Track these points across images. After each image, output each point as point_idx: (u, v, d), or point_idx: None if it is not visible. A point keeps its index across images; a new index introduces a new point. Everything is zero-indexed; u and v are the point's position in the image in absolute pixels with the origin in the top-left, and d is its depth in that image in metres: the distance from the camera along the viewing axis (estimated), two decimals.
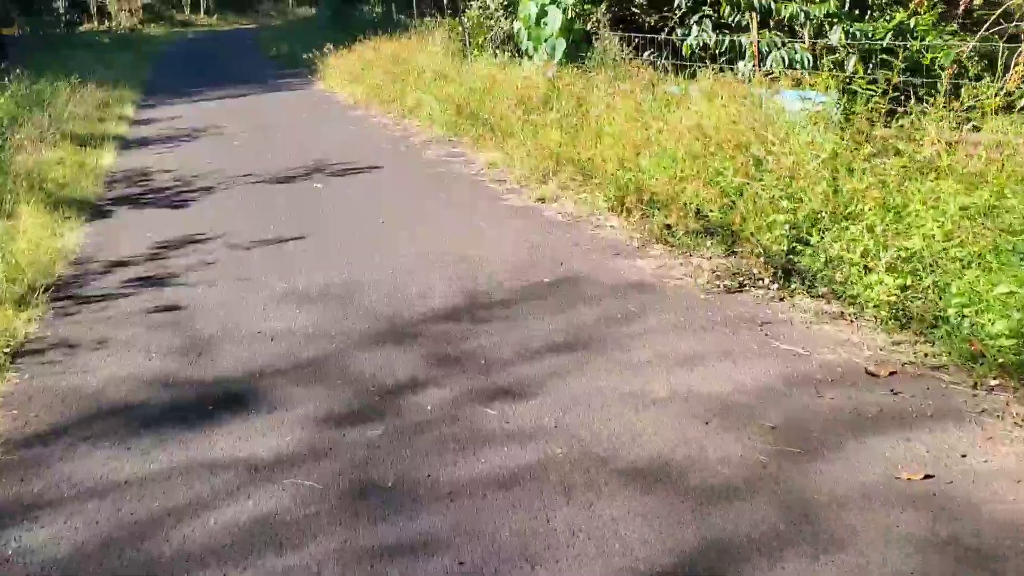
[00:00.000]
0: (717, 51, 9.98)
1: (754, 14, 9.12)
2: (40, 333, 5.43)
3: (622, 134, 8.02)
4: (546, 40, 11.57)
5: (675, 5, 11.05)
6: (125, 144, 12.60)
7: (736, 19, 10.17)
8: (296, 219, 7.81)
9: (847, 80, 7.26)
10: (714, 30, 10.69)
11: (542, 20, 11.62)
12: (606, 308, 5.17)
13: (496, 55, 14.09)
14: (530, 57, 12.13)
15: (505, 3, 13.42)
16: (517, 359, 4.54)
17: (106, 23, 40.31)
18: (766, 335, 4.68)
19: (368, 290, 5.77)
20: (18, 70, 15.96)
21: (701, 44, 10.63)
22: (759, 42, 9.47)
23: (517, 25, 12.28)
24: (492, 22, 13.58)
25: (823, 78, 7.00)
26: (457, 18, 16.98)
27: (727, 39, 10.01)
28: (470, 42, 15.04)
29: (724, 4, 10.28)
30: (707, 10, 10.82)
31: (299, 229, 7.42)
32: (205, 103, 17.08)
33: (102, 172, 10.49)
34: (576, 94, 9.80)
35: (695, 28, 10.83)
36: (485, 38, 13.89)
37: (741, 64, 10.04)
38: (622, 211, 7.04)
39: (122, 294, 6.10)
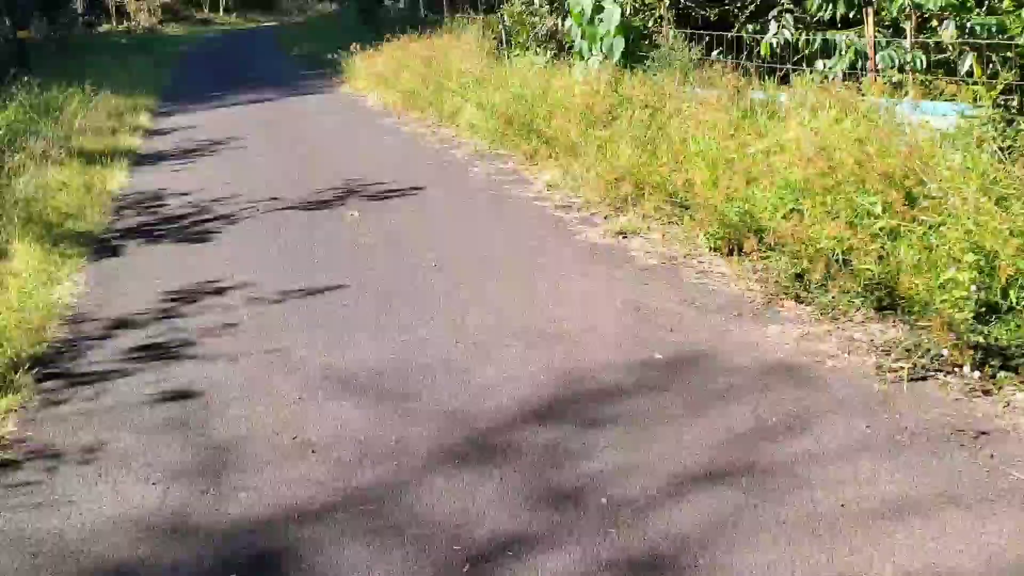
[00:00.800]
0: (808, 51, 8.63)
1: (869, 8, 7.73)
2: (18, 434, 4.20)
3: (714, 154, 6.71)
4: (601, 39, 10.23)
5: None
6: (138, 160, 11.38)
7: (826, 13, 8.82)
8: (331, 259, 6.55)
9: (1009, 89, 5.88)
10: (796, 26, 9.36)
11: (597, 17, 10.28)
12: (753, 408, 3.86)
13: (540, 55, 12.78)
14: (583, 58, 10.79)
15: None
16: (653, 501, 3.25)
17: (125, 23, 39.23)
18: (991, 456, 3.37)
19: (431, 374, 4.48)
20: (25, 78, 14.83)
21: (782, 43, 9.29)
22: (861, 40, 8.12)
23: (567, 22, 10.94)
24: (536, 19, 12.24)
25: (980, 88, 5.62)
26: (493, 14, 15.67)
27: (818, 37, 8.64)
28: (510, 41, 13.73)
29: None
30: (787, 3, 9.47)
31: (336, 274, 6.16)
32: (225, 109, 15.85)
33: (111, 196, 9.27)
34: (646, 102, 8.47)
35: (773, 24, 9.49)
36: (527, 36, 12.56)
37: (822, 65, 8.71)
38: (730, 252, 5.73)
39: (123, 371, 4.85)
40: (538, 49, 12.83)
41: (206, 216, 8.19)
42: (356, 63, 18.03)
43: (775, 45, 9.29)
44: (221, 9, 43.50)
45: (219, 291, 6.02)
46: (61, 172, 9.95)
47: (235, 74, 21.64)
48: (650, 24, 10.32)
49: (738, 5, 10.28)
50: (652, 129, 7.86)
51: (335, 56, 19.34)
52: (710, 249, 5.86)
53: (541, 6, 12.07)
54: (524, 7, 12.31)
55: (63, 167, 10.18)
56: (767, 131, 7.00)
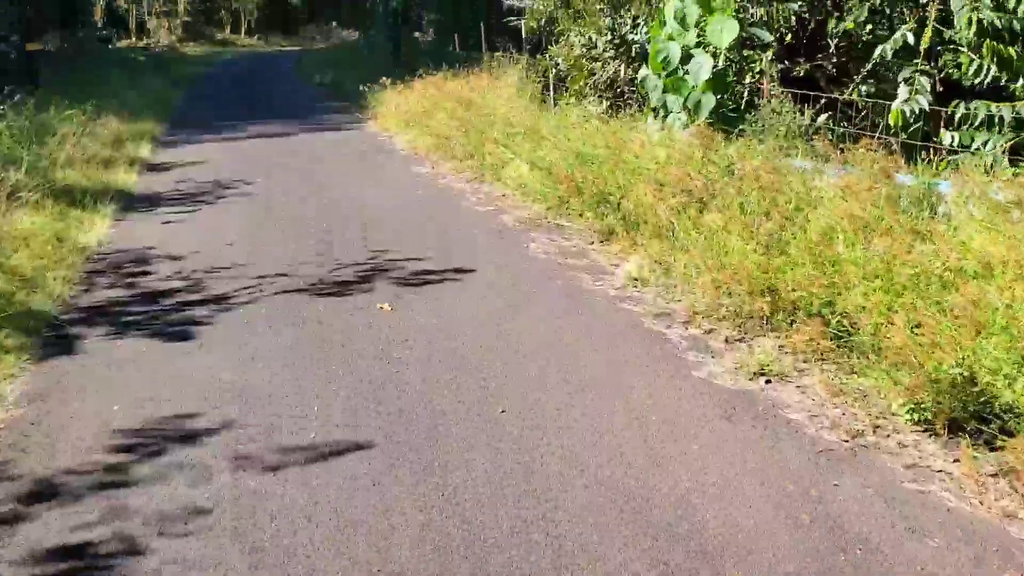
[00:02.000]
0: (967, 126, 6.80)
1: None
2: None
3: (876, 266, 4.86)
4: (687, 95, 8.43)
5: (875, 55, 7.90)
6: (128, 203, 9.57)
7: (982, 78, 7.00)
8: (352, 389, 4.68)
9: None
10: (934, 91, 7.57)
11: (682, 67, 8.49)
12: None
13: (596, 104, 10.99)
14: (658, 114, 8.99)
15: (616, 41, 10.29)
16: None
17: (144, 40, 37.75)
18: None
19: None
20: (18, 96, 13.09)
21: (916, 111, 7.48)
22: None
23: (642, 71, 9.13)
24: (597, 64, 10.45)
25: None
26: (541, 54, 13.92)
27: (979, 107, 6.80)
28: (562, 87, 11.96)
29: (963, 54, 7.14)
30: (922, 63, 7.67)
31: (357, 419, 4.29)
32: (237, 142, 14.08)
33: (84, 255, 7.44)
34: (757, 177, 6.63)
35: (903, 88, 7.68)
36: (585, 83, 10.77)
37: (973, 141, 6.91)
38: (948, 431, 3.86)
39: None
40: (594, 98, 11.04)
41: (195, 296, 6.34)
42: (384, 99, 16.30)
43: (908, 114, 7.49)
44: (242, 31, 42.03)
45: (190, 438, 4.14)
46: (31, 217, 8.15)
47: (251, 101, 19.94)
48: (747, 80, 8.50)
49: (852, 61, 8.48)
50: (773, 217, 6.00)
51: (360, 89, 17.63)
52: (919, 428, 3.96)
53: (605, 51, 10.27)
54: (584, 50, 10.49)
55: (36, 210, 8.39)
56: (930, 233, 5.18)
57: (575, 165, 8.46)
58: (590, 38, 10.40)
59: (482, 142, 11.01)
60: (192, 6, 40.05)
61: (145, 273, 6.97)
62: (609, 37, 10.35)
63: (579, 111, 11.38)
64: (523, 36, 14.86)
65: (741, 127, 8.15)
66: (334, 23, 47.05)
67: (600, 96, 11.03)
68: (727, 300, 5.47)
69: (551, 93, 13.26)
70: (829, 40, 8.46)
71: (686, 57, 8.41)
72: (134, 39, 37.81)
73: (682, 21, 8.43)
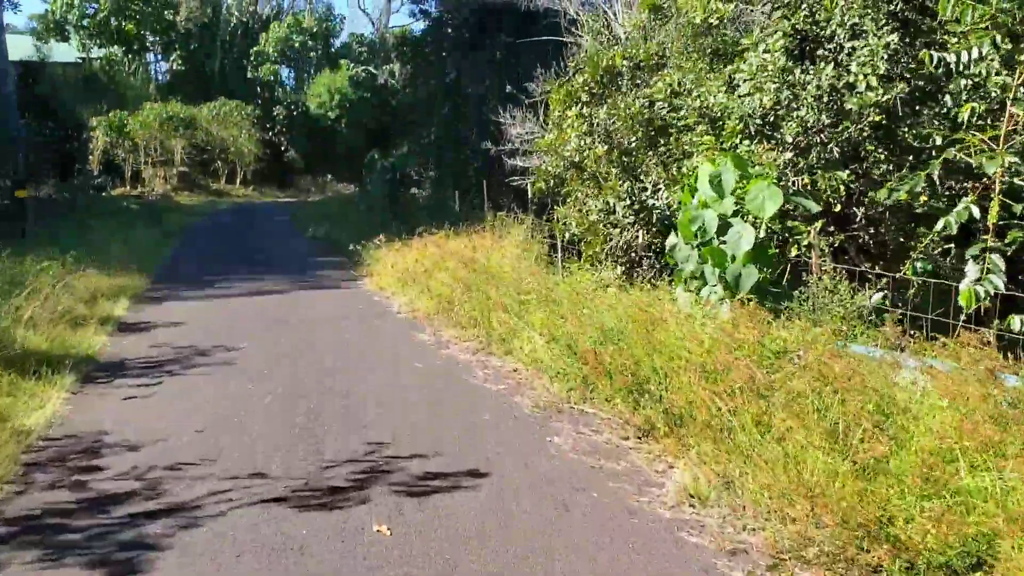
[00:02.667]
0: None
1: None
2: None
3: None
4: (725, 267, 7.49)
5: (937, 228, 7.02)
6: (91, 373, 8.43)
7: None
8: None
9: None
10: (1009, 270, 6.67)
11: (719, 237, 7.60)
12: None
13: (609, 270, 10.10)
14: (691, 288, 8.04)
15: (636, 207, 9.47)
16: None
17: (139, 188, 37.44)
18: None
19: None
20: None
21: (991, 292, 6.54)
22: None
23: (672, 240, 8.23)
24: (615, 230, 9.60)
25: None
26: (547, 215, 13.19)
27: None
28: (574, 250, 11.12)
29: None
30: (991, 240, 6.78)
31: None
32: (224, 299, 13.09)
33: (25, 444, 6.23)
34: (825, 370, 5.58)
35: (972, 266, 6.77)
36: (601, 248, 9.89)
37: None
38: None
39: None
40: (609, 264, 10.15)
41: (152, 504, 5.13)
42: (381, 256, 15.45)
43: (982, 295, 6.54)
44: (238, 181, 41.92)
45: None
46: None
47: (243, 254, 19.11)
48: (792, 253, 7.60)
49: (906, 235, 7.62)
50: (861, 422, 4.91)
51: (356, 245, 16.82)
52: None
53: (625, 216, 9.43)
54: (602, 215, 9.65)
55: None
56: None
57: (599, 341, 7.42)
58: (608, 203, 9.57)
59: (488, 308, 10.02)
60: (189, 156, 40.01)
61: (95, 469, 5.77)
62: (628, 202, 9.52)
63: (592, 276, 10.50)
64: (529, 196, 14.16)
65: (787, 305, 7.19)
66: (329, 176, 47.26)
67: (616, 262, 10.15)
68: (818, 533, 4.31)
69: (559, 255, 12.42)
70: (880, 211, 7.59)
71: (723, 226, 7.52)
72: (129, 187, 37.50)
73: (718, 187, 7.59)
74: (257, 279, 15.01)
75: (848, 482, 4.50)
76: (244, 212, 32.37)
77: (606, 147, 11.19)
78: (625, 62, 11.68)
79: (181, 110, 41.11)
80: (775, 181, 7.38)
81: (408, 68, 33.16)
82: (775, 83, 7.61)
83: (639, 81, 11.75)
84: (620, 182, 9.87)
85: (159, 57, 50.64)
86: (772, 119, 7.66)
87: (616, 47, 12.26)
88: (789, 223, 7.55)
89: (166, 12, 46.21)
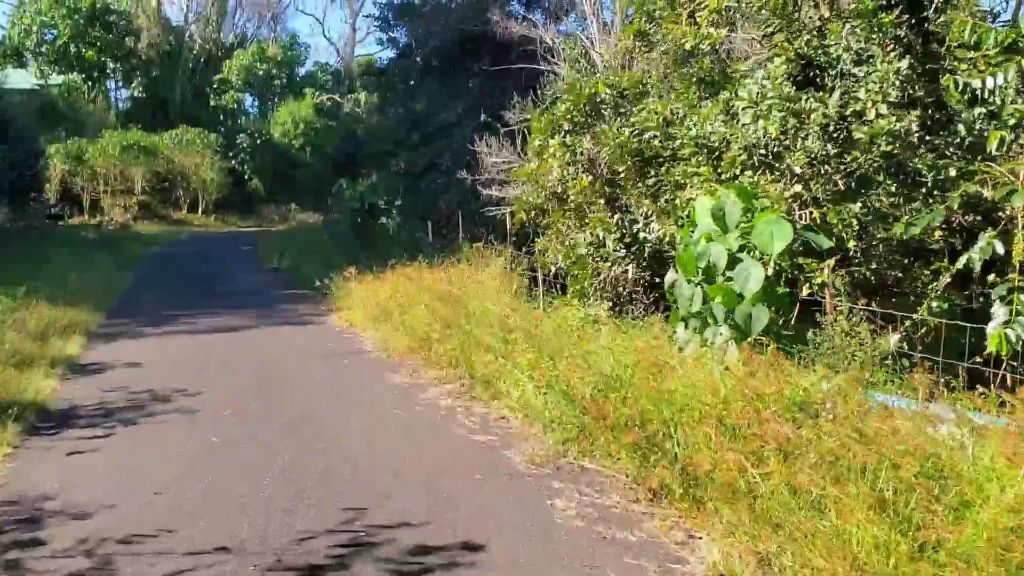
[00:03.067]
0: None
1: None
2: None
3: None
4: (732, 307, 6.92)
5: (959, 265, 6.52)
6: (39, 423, 7.66)
7: None
8: None
9: None
10: None
11: (723, 274, 7.04)
12: None
13: (595, 306, 9.52)
14: (689, 326, 7.46)
15: (626, 239, 8.91)
16: None
17: (98, 217, 36.31)
18: None
19: None
20: None
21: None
22: None
23: (671, 276, 7.65)
24: (604, 264, 9.02)
25: None
26: (527, 247, 12.61)
27: None
28: (558, 285, 10.53)
29: None
30: (1017, 279, 6.30)
31: None
32: (185, 336, 12.31)
33: None
34: (854, 422, 5.01)
35: (1000, 307, 6.29)
36: (589, 283, 9.30)
37: None
38: None
39: None
40: (597, 300, 9.57)
41: None
42: (349, 288, 14.73)
43: (1014, 340, 6.04)
44: (200, 210, 40.90)
45: None
46: None
47: (205, 287, 18.28)
48: (803, 292, 7.06)
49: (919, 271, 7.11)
50: (906, 492, 4.33)
51: (323, 277, 16.09)
52: None
53: (616, 250, 8.86)
54: (591, 249, 9.07)
55: None
56: None
57: (598, 387, 6.80)
58: (597, 236, 9.00)
59: (470, 347, 9.38)
60: (149, 185, 38.98)
61: (36, 543, 5.02)
62: (618, 235, 8.96)
63: (579, 312, 9.90)
64: (507, 227, 13.57)
65: (799, 348, 6.63)
66: (293, 205, 46.36)
67: (604, 297, 9.58)
68: None
69: (540, 289, 11.83)
70: (894, 248, 7.09)
71: (733, 262, 6.96)
72: (87, 217, 36.38)
73: (721, 221, 7.04)
74: (219, 314, 14.23)
75: (905, 564, 3.92)
76: (206, 242, 31.44)
77: (590, 177, 10.65)
78: (608, 90, 11.18)
79: (142, 138, 40.11)
80: (783, 215, 6.85)
81: (375, 97, 32.63)
82: (780, 111, 7.11)
83: (622, 110, 11.26)
84: (608, 214, 9.31)
85: (120, 84, 49.56)
86: (777, 149, 7.15)
87: (598, 75, 11.76)
88: (800, 260, 7.00)
89: (127, 39, 45.24)
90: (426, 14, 21.48)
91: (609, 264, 8.88)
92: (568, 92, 11.46)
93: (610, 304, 9.59)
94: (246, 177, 45.84)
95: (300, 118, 47.87)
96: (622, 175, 9.51)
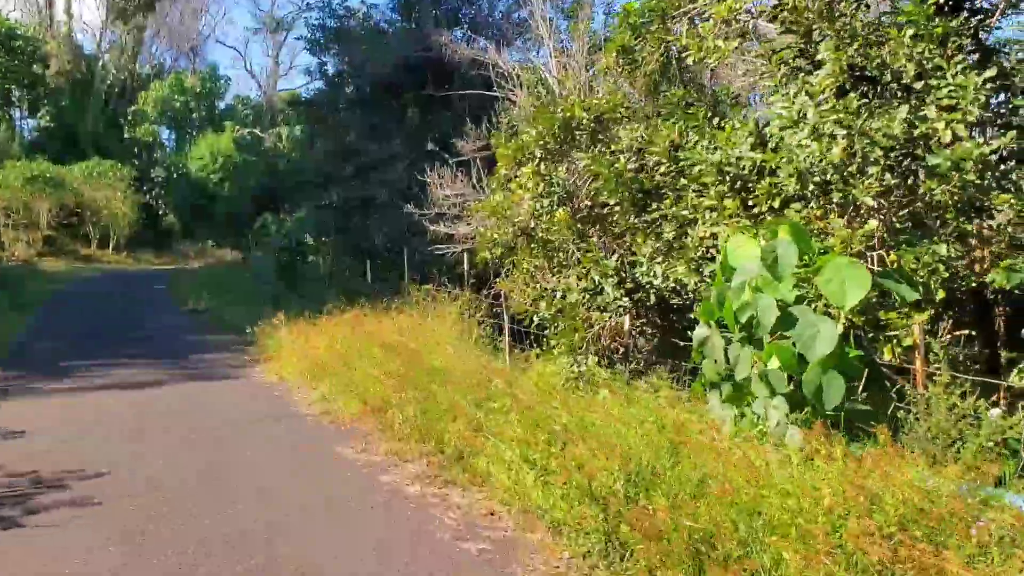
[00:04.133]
0: None
1: None
2: None
3: None
4: (794, 373, 5.39)
5: None
6: None
7: None
8: None
9: None
10: None
11: (776, 330, 5.50)
12: None
13: (581, 362, 7.92)
14: (730, 396, 5.91)
15: (628, 284, 7.35)
16: None
17: None
18: None
19: None
20: None
21: None
22: None
23: (702, 331, 6.06)
24: (603, 315, 7.43)
25: None
26: (489, 291, 11.00)
27: None
28: (531, 337, 8.92)
29: None
30: None
31: None
32: (87, 395, 10.27)
33: None
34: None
35: None
36: (580, 336, 7.69)
37: None
38: None
39: None
40: (581, 357, 7.96)
41: None
42: (279, 336, 12.84)
43: None
44: (111, 246, 38.04)
45: None
46: None
47: (113, 332, 16.05)
48: (887, 356, 5.55)
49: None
50: None
51: (248, 322, 14.14)
52: None
53: (616, 298, 7.28)
54: (585, 296, 7.47)
55: None
56: None
57: (630, 478, 5.17)
58: (593, 280, 7.40)
59: (436, 413, 7.67)
60: (56, 219, 36.05)
61: None
62: (617, 280, 7.39)
63: (556, 369, 8.29)
64: (465, 267, 11.90)
65: (874, 428, 5.11)
66: (210, 241, 43.80)
67: (593, 352, 7.98)
68: None
69: (505, 339, 10.18)
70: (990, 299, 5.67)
71: (787, 318, 5.43)
72: None
73: (773, 265, 5.52)
74: (129, 365, 12.17)
75: None
76: (116, 280, 28.81)
77: (569, 211, 9.10)
78: (585, 114, 9.69)
79: (48, 169, 37.16)
80: (857, 260, 5.38)
81: (300, 130, 30.82)
82: (844, 129, 5.65)
83: (600, 136, 9.78)
84: (601, 254, 7.75)
85: (26, 113, 46.33)
86: (843, 175, 5.68)
87: (574, 97, 10.26)
88: (881, 315, 5.51)
89: (35, 66, 42.26)
90: (362, 39, 19.80)
91: (609, 315, 7.29)
92: (539, 116, 9.93)
93: (597, 360, 8.00)
94: (161, 212, 43.19)
95: (219, 152, 45.45)
96: (617, 208, 7.98)
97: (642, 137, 9.21)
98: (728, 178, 6.55)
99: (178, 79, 51.08)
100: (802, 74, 6.59)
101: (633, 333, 7.52)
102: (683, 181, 7.24)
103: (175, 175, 43.41)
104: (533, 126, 10.09)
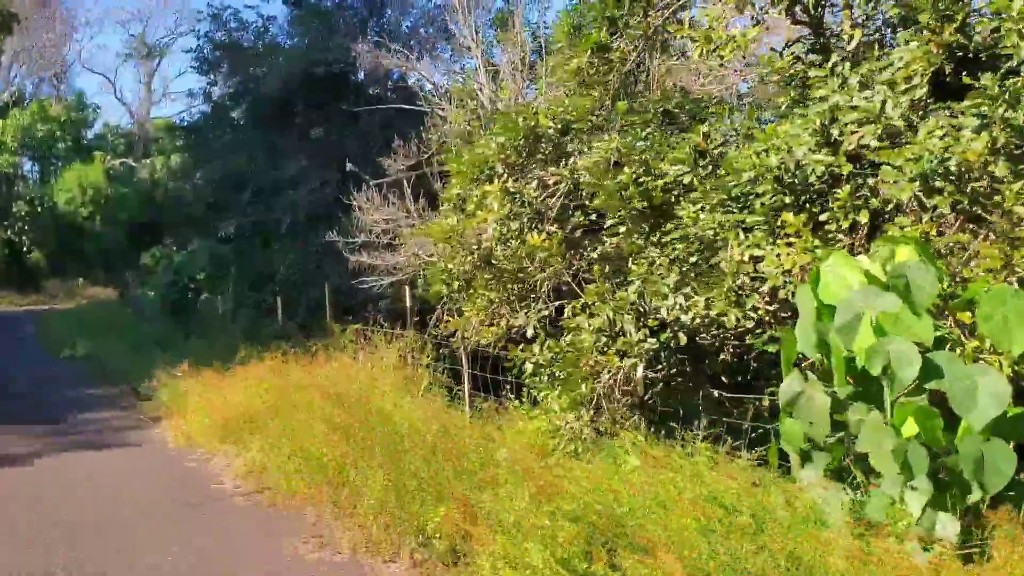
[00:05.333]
0: None
1: None
2: None
3: None
4: (939, 443, 3.95)
5: None
6: None
7: None
8: None
9: None
10: None
11: (891, 385, 4.05)
12: None
13: (578, 419, 6.34)
14: (830, 467, 4.44)
15: (655, 326, 5.81)
16: None
17: None
18: None
19: None
20: None
21: None
22: None
23: (793, 385, 4.54)
24: (625, 360, 5.85)
25: None
26: (435, 327, 9.35)
27: None
28: (515, 387, 7.30)
29: None
30: None
31: None
32: None
33: None
34: None
35: None
36: (589, 387, 6.08)
37: None
38: None
39: None
40: (580, 412, 6.37)
41: None
42: (179, 387, 10.75)
43: None
44: None
45: None
46: None
47: None
48: None
49: None
50: None
51: (139, 375, 11.95)
52: None
53: (642, 339, 5.72)
54: (604, 339, 5.86)
55: None
56: None
57: None
58: (613, 321, 5.81)
59: (413, 487, 5.91)
60: None
61: None
62: (633, 315, 5.84)
63: (542, 425, 6.69)
64: (408, 303, 10.13)
65: None
66: (81, 279, 40.12)
67: (587, 406, 6.38)
68: None
69: (464, 388, 8.51)
70: None
71: (932, 369, 4.00)
72: None
73: (906, 293, 4.09)
74: None
75: None
76: None
77: (544, 234, 7.55)
78: (551, 123, 8.19)
79: None
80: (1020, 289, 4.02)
81: (183, 157, 28.34)
82: (978, 120, 4.30)
83: (569, 148, 8.31)
84: (606, 284, 6.19)
85: None
86: (982, 176, 4.33)
87: (537, 104, 8.73)
88: None
89: None
90: (257, 53, 17.75)
91: (632, 360, 5.71)
92: (501, 125, 8.37)
93: (591, 417, 6.39)
94: (24, 249, 39.26)
95: (89, 184, 41.77)
96: (622, 229, 6.46)
97: (618, 150, 7.78)
98: (788, 187, 5.14)
99: (41, 106, 46.94)
100: (867, 60, 5.26)
101: (647, 382, 6.00)
102: (708, 194, 5.79)
103: (39, 208, 39.60)
104: (490, 137, 8.54)
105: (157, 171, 44.00)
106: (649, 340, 5.64)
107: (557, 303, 8.16)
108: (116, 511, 6.75)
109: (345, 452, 6.78)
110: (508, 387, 8.04)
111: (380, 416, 7.45)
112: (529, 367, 6.45)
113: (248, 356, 10.80)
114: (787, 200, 5.13)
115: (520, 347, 6.69)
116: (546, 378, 6.46)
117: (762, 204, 5.41)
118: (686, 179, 6.02)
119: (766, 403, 5.63)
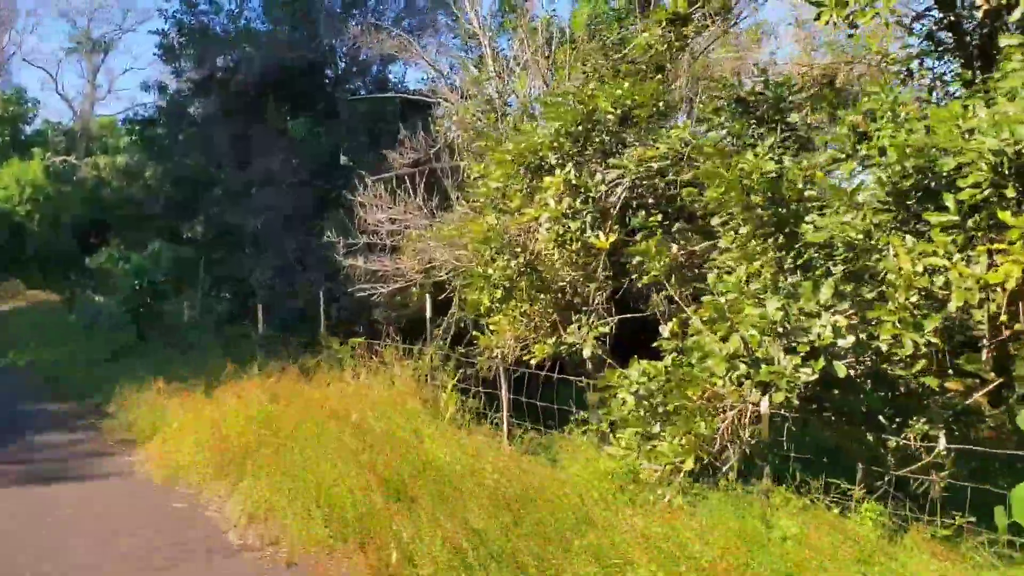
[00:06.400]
0: None
1: None
2: None
3: None
4: None
5: None
6: None
7: None
8: None
9: None
10: None
11: None
12: None
13: (635, 449, 5.13)
14: None
15: (802, 348, 4.60)
16: None
17: None
18: None
19: None
20: None
21: None
22: None
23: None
24: (777, 392, 4.61)
25: None
26: (468, 346, 8.08)
27: None
28: (572, 419, 6.05)
29: None
30: None
31: None
32: None
33: None
34: None
35: None
36: (711, 425, 4.84)
37: None
38: None
39: None
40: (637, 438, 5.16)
41: None
42: (160, 404, 9.25)
43: None
44: None
45: None
46: None
47: None
48: None
49: None
50: None
51: (96, 390, 10.38)
52: None
53: (792, 368, 4.50)
54: (739, 364, 4.62)
55: None
56: None
57: None
58: (743, 340, 4.58)
59: (490, 551, 4.62)
60: None
61: None
62: (772, 336, 4.62)
63: (617, 465, 5.45)
64: (428, 314, 8.77)
65: None
66: (19, 282, 37.51)
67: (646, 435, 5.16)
68: None
69: (504, 414, 7.21)
70: None
71: None
72: None
73: None
74: None
75: None
76: None
77: (611, 234, 6.33)
78: (612, 108, 6.98)
79: None
80: None
81: (136, 155, 26.48)
82: None
83: (629, 139, 7.13)
84: (756, 299, 4.97)
85: None
86: None
87: (592, 88, 7.48)
88: None
89: None
90: (229, 39, 16.15)
91: (782, 394, 4.47)
92: (550, 110, 7.14)
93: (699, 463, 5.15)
94: None
95: (27, 182, 39.21)
96: (744, 230, 5.25)
97: (686, 141, 6.64)
98: (1005, 177, 4.00)
99: None
100: None
101: (775, 421, 4.80)
102: (859, 190, 4.64)
103: None
104: (548, 121, 7.31)
105: (102, 169, 41.62)
106: (803, 370, 4.42)
107: (617, 317, 6.97)
108: (94, 568, 5.29)
109: (385, 503, 5.44)
110: (539, 415, 6.78)
111: (416, 451, 6.14)
112: (629, 400, 5.15)
113: (233, 373, 9.30)
114: (1009, 194, 3.98)
115: (617, 373, 5.38)
116: (642, 412, 5.18)
117: (958, 201, 4.24)
118: (843, 168, 4.83)
119: (942, 451, 4.45)
